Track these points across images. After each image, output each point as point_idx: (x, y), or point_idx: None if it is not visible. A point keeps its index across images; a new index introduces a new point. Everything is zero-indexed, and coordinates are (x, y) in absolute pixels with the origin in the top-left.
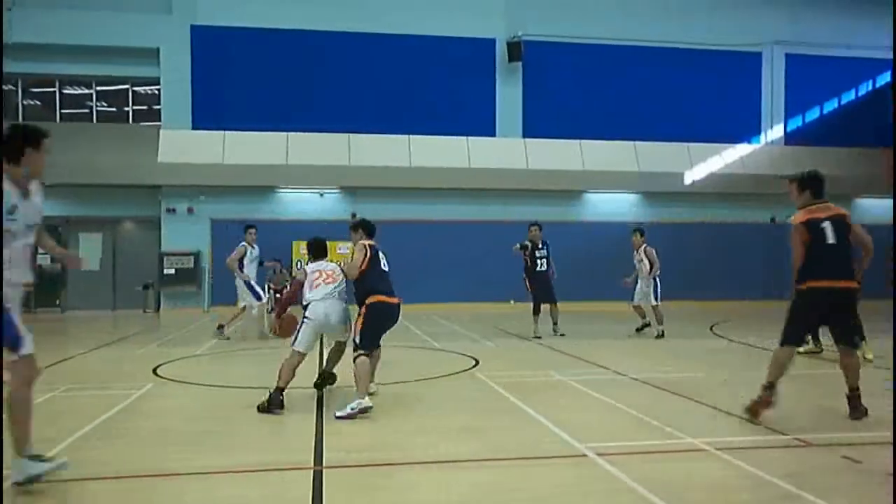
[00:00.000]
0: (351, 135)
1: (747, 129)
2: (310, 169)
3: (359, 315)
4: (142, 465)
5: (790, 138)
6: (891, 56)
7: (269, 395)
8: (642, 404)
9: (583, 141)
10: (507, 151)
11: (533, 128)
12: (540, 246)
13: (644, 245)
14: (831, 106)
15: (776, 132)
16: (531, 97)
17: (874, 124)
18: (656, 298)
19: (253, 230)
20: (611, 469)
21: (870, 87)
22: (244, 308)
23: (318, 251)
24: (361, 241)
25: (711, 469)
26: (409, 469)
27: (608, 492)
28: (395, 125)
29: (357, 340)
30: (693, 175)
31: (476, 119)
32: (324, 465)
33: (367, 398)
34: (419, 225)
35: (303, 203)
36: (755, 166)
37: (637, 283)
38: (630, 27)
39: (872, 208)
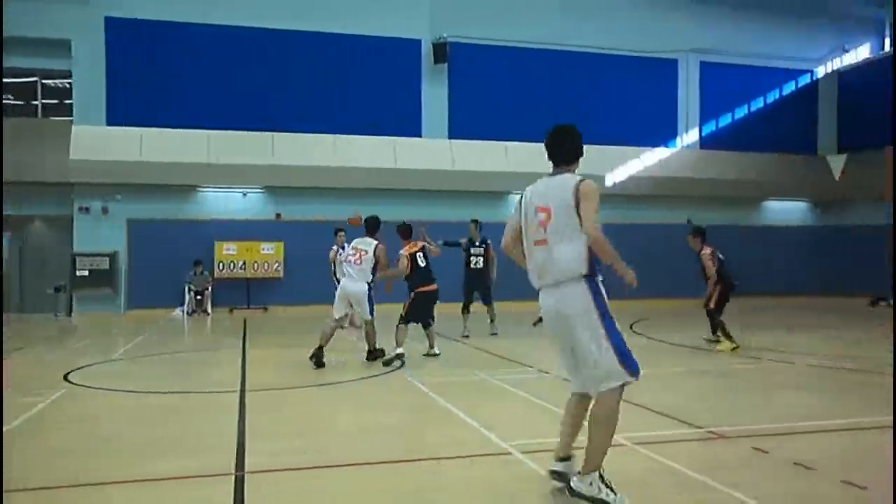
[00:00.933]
0: (275, 133)
1: (665, 133)
2: (232, 168)
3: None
4: (55, 476)
5: (705, 142)
6: (796, 67)
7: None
8: (564, 401)
9: (508, 142)
10: (434, 152)
11: (459, 129)
12: (477, 243)
13: None
14: (742, 112)
15: (692, 136)
16: (457, 98)
17: (783, 131)
18: None
19: (342, 232)
20: (535, 466)
21: (777, 96)
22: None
23: (370, 228)
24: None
25: (630, 463)
26: (334, 472)
27: (532, 489)
28: (320, 124)
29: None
30: (614, 177)
31: (402, 119)
32: (245, 470)
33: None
34: (344, 225)
35: (225, 202)
36: (672, 169)
37: None
38: (553, 32)
39: (781, 211)
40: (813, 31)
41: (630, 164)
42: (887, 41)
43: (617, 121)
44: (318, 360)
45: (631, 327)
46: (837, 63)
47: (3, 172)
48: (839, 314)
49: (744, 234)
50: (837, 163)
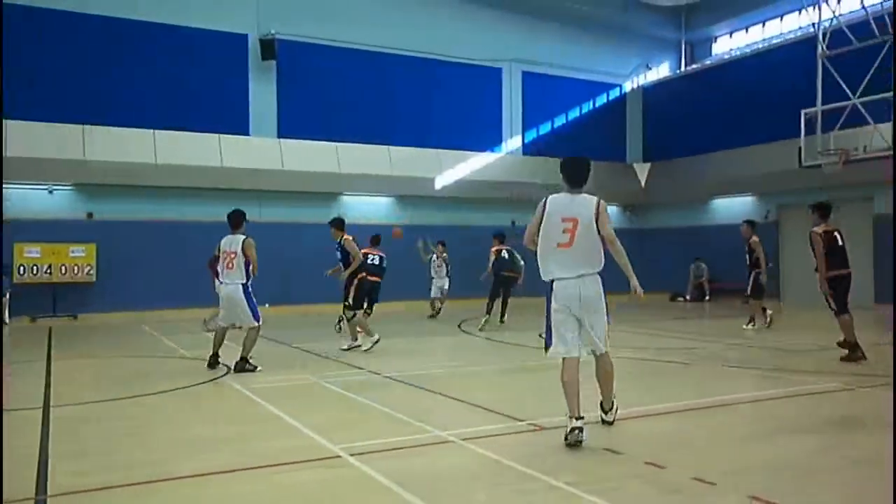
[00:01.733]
0: (87, 126)
1: (491, 138)
2: (37, 162)
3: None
4: None
5: (527, 149)
6: (607, 81)
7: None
8: (394, 401)
9: (339, 144)
10: (262, 151)
11: (288, 128)
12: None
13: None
14: (561, 121)
15: (515, 142)
16: (286, 97)
17: (597, 140)
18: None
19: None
20: (363, 468)
21: (591, 107)
22: None
23: (235, 222)
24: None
25: (457, 459)
26: (156, 488)
27: (361, 490)
28: (139, 118)
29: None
30: (443, 180)
31: (229, 116)
32: (48, 493)
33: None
34: (166, 225)
35: (28, 200)
36: (497, 173)
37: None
38: (385, 35)
39: None
40: (621, 49)
41: (458, 168)
42: (683, 61)
43: (447, 125)
44: (210, 364)
45: (459, 326)
46: (642, 79)
47: None
48: (644, 309)
49: None
50: (643, 171)
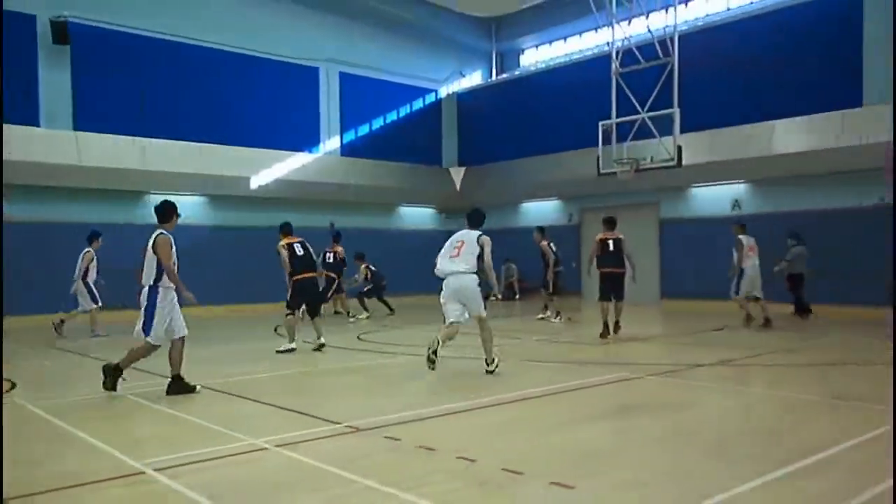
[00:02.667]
0: None
1: (308, 138)
2: None
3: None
4: None
5: (346, 150)
6: (424, 86)
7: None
8: (206, 411)
9: (145, 139)
10: (55, 145)
11: (86, 121)
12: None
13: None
14: (379, 123)
15: (333, 143)
16: (84, 87)
17: (414, 144)
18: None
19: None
20: (171, 483)
21: (408, 111)
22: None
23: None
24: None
25: (273, 466)
26: None
27: None
28: None
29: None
30: (259, 180)
31: (13, 105)
32: None
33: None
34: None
35: None
36: (315, 174)
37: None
38: (197, 27)
39: (415, 216)
40: (437, 55)
41: (275, 168)
42: (494, 70)
43: (262, 124)
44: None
45: (275, 330)
46: (457, 86)
47: None
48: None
49: (379, 237)
50: (458, 175)
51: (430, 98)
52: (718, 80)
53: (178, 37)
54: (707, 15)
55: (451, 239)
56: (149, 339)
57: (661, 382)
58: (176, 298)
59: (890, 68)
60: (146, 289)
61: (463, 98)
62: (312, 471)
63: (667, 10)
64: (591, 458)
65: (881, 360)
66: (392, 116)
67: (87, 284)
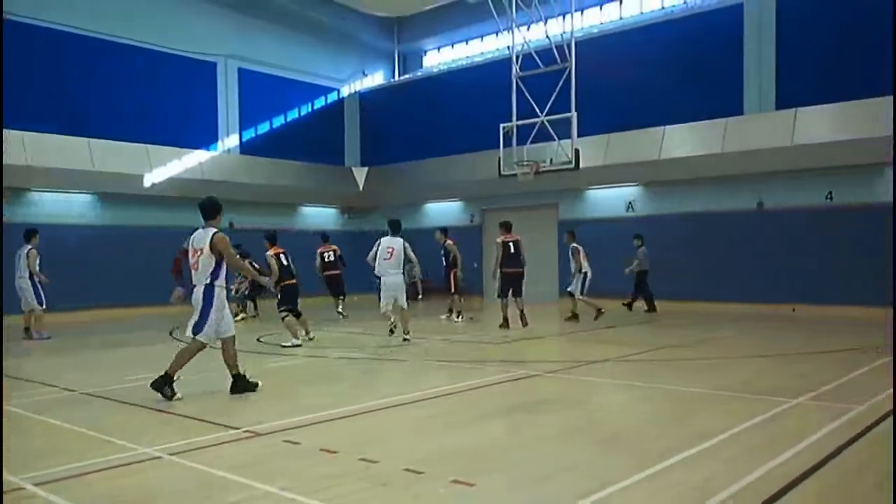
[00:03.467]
0: None
1: (206, 135)
2: None
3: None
4: None
5: (245, 148)
6: (326, 84)
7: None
8: (95, 420)
9: (26, 132)
10: None
11: None
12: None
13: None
14: (280, 122)
15: (232, 141)
16: None
17: (316, 143)
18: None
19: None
20: (52, 497)
21: (310, 110)
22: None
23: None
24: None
25: (165, 476)
26: None
27: None
28: None
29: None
30: (153, 178)
31: None
32: None
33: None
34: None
35: None
36: (214, 172)
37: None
38: (90, 17)
39: (317, 216)
40: (339, 54)
41: (171, 165)
42: (397, 71)
43: (158, 119)
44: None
45: (171, 333)
46: (359, 85)
47: None
48: (361, 310)
49: (281, 237)
50: (361, 175)
51: (333, 97)
52: (614, 86)
53: (69, 27)
54: (602, 24)
55: (381, 246)
56: (199, 337)
57: (558, 379)
58: (226, 296)
59: (770, 79)
60: (201, 288)
61: (365, 98)
62: (208, 478)
63: (564, 17)
64: (492, 455)
65: (749, 354)
66: (293, 115)
67: (34, 283)
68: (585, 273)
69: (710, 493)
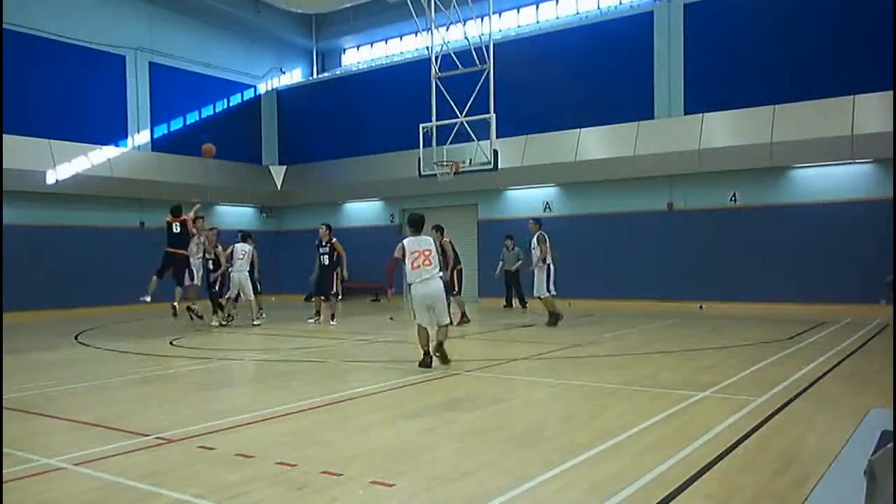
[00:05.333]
0: None
1: (115, 131)
2: None
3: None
4: None
5: (157, 144)
6: (242, 81)
7: None
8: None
9: None
10: None
11: None
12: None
13: None
14: (194, 118)
15: (143, 137)
16: None
17: (232, 141)
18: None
19: None
20: None
21: (225, 106)
22: None
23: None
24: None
25: (71, 487)
26: None
27: None
28: None
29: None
30: (57, 174)
31: None
32: None
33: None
34: None
35: None
36: (123, 170)
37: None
38: None
39: (232, 215)
40: (255, 50)
41: (76, 162)
42: (315, 68)
43: (62, 114)
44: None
45: (76, 338)
46: (276, 83)
47: None
48: (280, 311)
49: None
50: (279, 173)
51: (249, 94)
52: (531, 88)
53: None
54: (519, 27)
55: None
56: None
57: (477, 378)
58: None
59: (679, 85)
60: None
61: (283, 95)
62: (116, 488)
63: (482, 20)
64: (410, 455)
65: (657, 350)
66: (208, 111)
67: None
68: (549, 265)
69: (618, 486)
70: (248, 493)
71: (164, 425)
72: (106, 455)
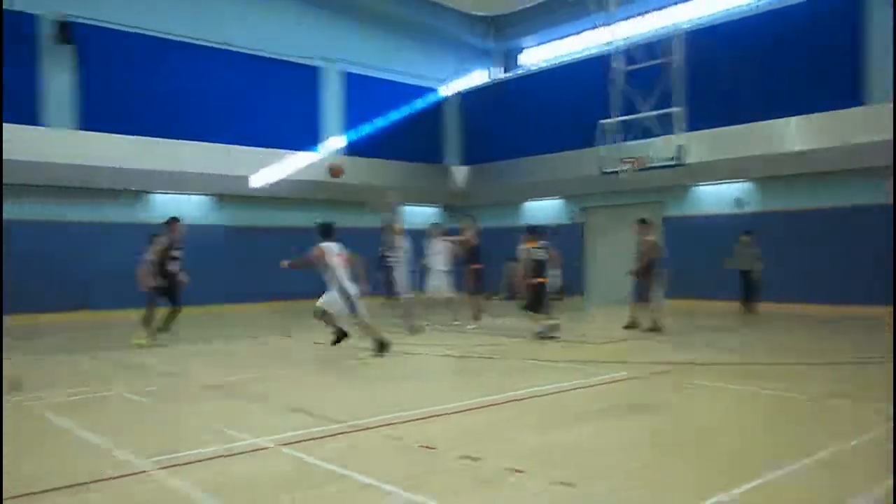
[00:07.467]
0: None
1: (310, 138)
2: None
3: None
4: None
5: (347, 149)
6: (425, 85)
7: None
8: (202, 411)
9: (144, 137)
10: (56, 143)
11: (91, 119)
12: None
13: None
14: (381, 123)
15: (335, 143)
16: (87, 85)
17: (416, 143)
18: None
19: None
20: (177, 482)
21: (410, 110)
22: None
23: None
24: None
25: (274, 465)
26: None
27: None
28: None
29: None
30: (259, 179)
31: (15, 104)
32: None
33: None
34: None
35: None
36: (317, 173)
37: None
38: (194, 25)
39: (421, 215)
40: (438, 55)
41: (276, 167)
42: (493, 69)
43: (263, 123)
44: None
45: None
46: (459, 85)
47: None
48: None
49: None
50: (461, 173)
51: (433, 97)
52: (719, 78)
53: (182, 36)
54: (700, 17)
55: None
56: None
57: (658, 382)
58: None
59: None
60: None
61: (466, 97)
62: (311, 469)
63: (661, 11)
64: (591, 457)
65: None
66: (394, 115)
67: None
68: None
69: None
70: (435, 482)
71: (354, 413)
72: (304, 438)
